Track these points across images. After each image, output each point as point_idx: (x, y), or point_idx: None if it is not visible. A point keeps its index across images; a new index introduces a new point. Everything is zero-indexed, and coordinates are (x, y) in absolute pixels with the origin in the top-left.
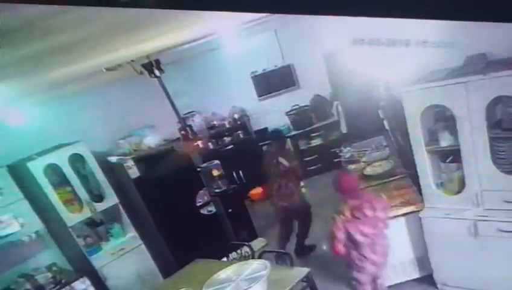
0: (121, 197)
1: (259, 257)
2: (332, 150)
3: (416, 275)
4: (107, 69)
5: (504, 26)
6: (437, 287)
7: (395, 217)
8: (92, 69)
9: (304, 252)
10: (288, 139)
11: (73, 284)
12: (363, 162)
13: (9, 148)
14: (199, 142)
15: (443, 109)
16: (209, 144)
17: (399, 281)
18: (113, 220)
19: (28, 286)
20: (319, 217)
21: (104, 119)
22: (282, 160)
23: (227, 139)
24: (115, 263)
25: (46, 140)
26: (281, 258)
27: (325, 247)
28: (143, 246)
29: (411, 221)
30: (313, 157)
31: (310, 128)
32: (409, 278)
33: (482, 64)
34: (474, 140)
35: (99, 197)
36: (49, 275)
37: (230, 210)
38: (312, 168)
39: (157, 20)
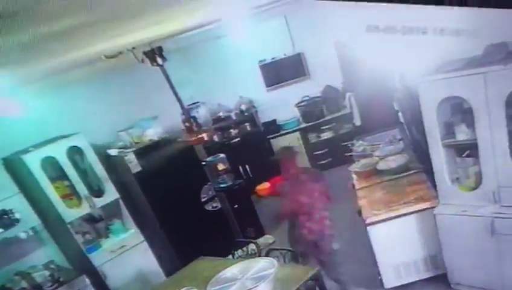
0: (122, 192)
1: (266, 255)
2: (344, 143)
3: (429, 274)
4: (107, 57)
5: None
6: (451, 287)
7: (409, 213)
8: (91, 57)
9: None
10: (298, 133)
11: (71, 283)
12: (376, 156)
13: (3, 140)
14: (204, 135)
15: (460, 101)
16: (215, 136)
17: (411, 280)
18: (113, 216)
19: (24, 284)
20: (330, 215)
21: (104, 110)
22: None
23: (233, 131)
24: (115, 260)
25: (42, 132)
26: (288, 256)
27: (335, 246)
28: (144, 243)
29: (425, 218)
30: (323, 151)
31: (320, 120)
32: (421, 277)
33: (503, 54)
34: (493, 134)
35: (98, 192)
36: (47, 273)
37: (236, 206)
38: (322, 162)
39: (160, 5)
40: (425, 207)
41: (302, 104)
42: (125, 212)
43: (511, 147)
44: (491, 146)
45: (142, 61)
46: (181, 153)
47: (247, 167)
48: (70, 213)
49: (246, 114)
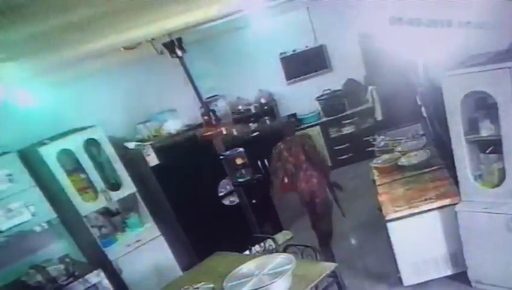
0: (139, 185)
1: (284, 251)
2: (365, 138)
3: (449, 272)
4: (126, 48)
5: None
6: (471, 285)
7: (429, 210)
8: (109, 48)
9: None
10: (318, 127)
11: (86, 277)
12: (398, 151)
13: (20, 132)
14: (222, 128)
15: (485, 96)
16: (233, 130)
17: (431, 278)
18: (130, 210)
19: (39, 278)
20: (350, 211)
21: (122, 103)
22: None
23: (252, 125)
24: (131, 255)
25: (59, 124)
26: (306, 252)
27: (353, 241)
28: (161, 238)
29: (446, 215)
30: (344, 146)
31: (342, 114)
32: (441, 275)
33: None
34: None
35: (115, 186)
36: (62, 266)
37: (254, 201)
38: (343, 157)
39: None
40: (446, 204)
41: (323, 97)
42: (142, 206)
43: None
44: None
45: (161, 52)
46: (199, 146)
47: (265, 161)
48: (87, 207)
49: (265, 107)
